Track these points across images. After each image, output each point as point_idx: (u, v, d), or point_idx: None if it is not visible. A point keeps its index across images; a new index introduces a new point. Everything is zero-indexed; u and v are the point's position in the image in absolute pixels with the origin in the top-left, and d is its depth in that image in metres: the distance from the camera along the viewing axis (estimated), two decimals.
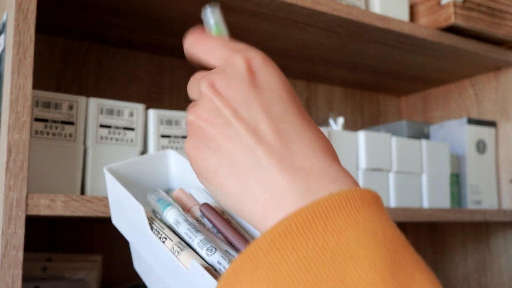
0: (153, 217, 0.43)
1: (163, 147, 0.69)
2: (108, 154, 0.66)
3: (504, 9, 0.96)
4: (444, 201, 0.95)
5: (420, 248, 1.24)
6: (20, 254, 0.54)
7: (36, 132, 0.62)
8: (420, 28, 0.89)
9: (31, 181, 0.57)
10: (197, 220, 0.43)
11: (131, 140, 0.68)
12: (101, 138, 0.66)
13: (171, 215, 0.42)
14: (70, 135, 0.64)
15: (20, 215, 0.54)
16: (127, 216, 0.45)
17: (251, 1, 0.74)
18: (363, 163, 0.85)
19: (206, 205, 0.44)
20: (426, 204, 0.92)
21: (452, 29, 0.92)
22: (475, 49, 0.96)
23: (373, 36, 0.89)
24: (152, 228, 0.41)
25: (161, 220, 0.43)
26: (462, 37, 0.94)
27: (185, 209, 0.45)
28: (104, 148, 0.66)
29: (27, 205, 0.55)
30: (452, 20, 0.89)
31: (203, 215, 0.44)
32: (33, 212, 0.55)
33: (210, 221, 0.43)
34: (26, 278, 0.71)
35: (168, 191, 0.49)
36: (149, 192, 0.46)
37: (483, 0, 0.93)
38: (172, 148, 0.70)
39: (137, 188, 0.47)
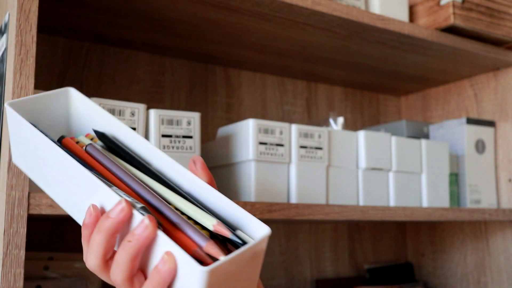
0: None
1: (164, 147, 0.70)
2: None
3: (503, 9, 0.96)
4: (443, 200, 0.95)
5: (419, 247, 1.24)
6: (22, 253, 0.54)
7: None
8: (419, 29, 0.89)
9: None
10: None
11: None
12: None
13: None
14: None
15: (22, 214, 0.55)
16: (31, 149, 0.47)
17: (252, 1, 0.75)
18: (363, 162, 0.86)
19: (91, 146, 0.46)
20: (425, 203, 0.93)
21: (451, 30, 0.92)
22: (474, 49, 0.97)
23: (373, 36, 0.89)
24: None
25: None
26: (461, 37, 0.95)
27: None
28: None
29: (29, 204, 0.55)
30: (452, 21, 0.89)
31: (90, 155, 0.46)
32: (35, 211, 0.56)
33: (98, 161, 0.46)
34: (28, 277, 0.71)
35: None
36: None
37: (482, 0, 0.93)
38: (173, 147, 0.70)
39: (40, 123, 0.48)
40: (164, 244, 0.39)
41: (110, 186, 0.43)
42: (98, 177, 0.44)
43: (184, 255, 0.37)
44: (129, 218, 0.40)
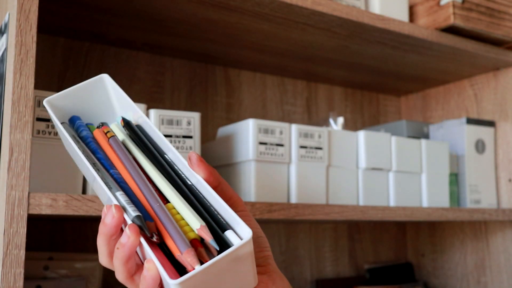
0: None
1: None
2: None
3: (503, 9, 0.96)
4: (443, 200, 0.95)
5: (419, 247, 1.24)
6: (22, 253, 0.54)
7: (38, 132, 0.62)
8: (419, 29, 0.89)
9: (33, 181, 0.58)
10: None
11: None
12: None
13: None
14: None
15: (22, 214, 0.55)
16: (66, 143, 0.49)
17: (252, 1, 0.75)
18: (363, 162, 0.86)
19: (113, 138, 0.48)
20: (425, 203, 0.93)
21: (451, 30, 0.92)
22: (474, 49, 0.97)
23: (373, 37, 0.89)
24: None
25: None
26: (461, 37, 0.95)
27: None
28: None
29: (29, 204, 0.55)
30: (452, 21, 0.89)
31: (111, 148, 0.47)
32: (35, 211, 0.56)
33: (117, 155, 0.47)
34: (28, 277, 0.71)
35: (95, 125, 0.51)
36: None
37: (482, 0, 0.93)
38: (173, 147, 0.70)
39: (83, 116, 0.50)
40: (146, 251, 0.40)
41: (112, 187, 0.43)
42: (107, 175, 0.45)
43: (159, 266, 0.39)
44: (120, 223, 0.41)
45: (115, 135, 0.48)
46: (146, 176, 0.46)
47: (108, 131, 0.49)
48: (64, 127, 0.47)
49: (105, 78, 0.51)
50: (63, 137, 0.48)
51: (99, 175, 0.44)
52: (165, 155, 0.48)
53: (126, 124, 0.50)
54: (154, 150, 0.48)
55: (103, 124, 0.50)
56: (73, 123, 0.50)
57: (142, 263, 0.43)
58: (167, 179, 0.46)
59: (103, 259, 0.44)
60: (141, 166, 0.47)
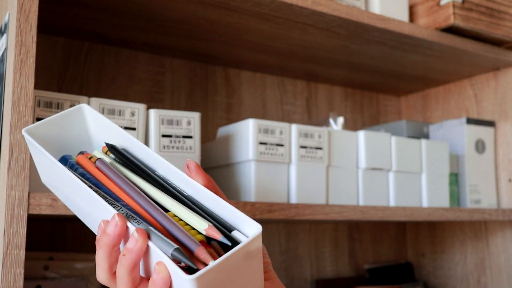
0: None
1: (164, 147, 0.70)
2: None
3: (503, 9, 0.96)
4: (443, 200, 0.95)
5: (419, 247, 1.24)
6: (22, 253, 0.54)
7: None
8: (419, 29, 0.89)
9: (33, 181, 0.58)
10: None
11: None
12: None
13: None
14: None
15: (22, 214, 0.55)
16: (49, 171, 0.49)
17: (252, 1, 0.75)
18: (363, 162, 0.86)
19: (100, 161, 0.47)
20: (425, 203, 0.93)
21: (451, 30, 0.92)
22: (474, 49, 0.97)
23: (373, 37, 0.89)
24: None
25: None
26: (461, 37, 0.95)
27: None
28: None
29: (29, 204, 0.55)
30: (452, 21, 0.89)
31: (100, 170, 0.47)
32: (35, 211, 0.56)
33: (107, 176, 0.46)
34: (28, 277, 0.71)
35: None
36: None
37: (482, 0, 0.93)
38: (173, 147, 0.71)
39: (60, 145, 0.50)
40: (155, 254, 0.40)
41: (109, 201, 0.44)
42: (101, 192, 0.45)
43: (172, 265, 0.38)
44: (124, 232, 0.41)
45: (101, 158, 0.48)
46: (142, 191, 0.46)
47: (91, 157, 0.49)
48: (61, 164, 0.46)
49: (84, 107, 0.51)
50: (46, 160, 0.47)
51: (116, 209, 0.43)
52: (156, 172, 0.48)
53: (111, 148, 0.49)
54: (145, 168, 0.48)
55: (83, 153, 0.50)
56: (65, 162, 0.49)
57: (143, 277, 0.43)
58: (164, 191, 0.46)
59: (102, 274, 0.43)
60: (134, 183, 0.47)
